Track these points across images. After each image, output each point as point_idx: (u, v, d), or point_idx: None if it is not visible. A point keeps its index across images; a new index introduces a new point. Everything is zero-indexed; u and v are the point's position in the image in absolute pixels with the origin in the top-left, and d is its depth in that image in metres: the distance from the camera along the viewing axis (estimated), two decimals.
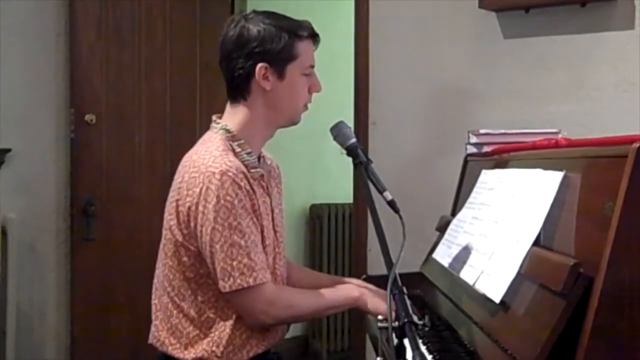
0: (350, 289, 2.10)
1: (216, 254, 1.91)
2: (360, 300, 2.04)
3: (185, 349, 2.00)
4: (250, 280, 1.92)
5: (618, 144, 1.54)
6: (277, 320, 2.02)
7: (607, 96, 2.80)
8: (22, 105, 3.41)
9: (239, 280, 1.91)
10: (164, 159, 3.64)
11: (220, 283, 1.92)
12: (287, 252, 2.25)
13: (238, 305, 1.97)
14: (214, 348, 1.97)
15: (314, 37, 2.07)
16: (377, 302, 2.02)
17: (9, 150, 3.34)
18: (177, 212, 1.97)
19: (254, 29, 2.00)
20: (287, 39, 2.00)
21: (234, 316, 1.98)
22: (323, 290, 2.08)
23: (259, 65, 1.99)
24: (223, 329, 1.98)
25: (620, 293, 1.35)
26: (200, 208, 1.91)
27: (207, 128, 2.13)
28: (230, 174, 1.91)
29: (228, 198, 1.90)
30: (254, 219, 1.98)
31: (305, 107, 2.10)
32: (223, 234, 1.90)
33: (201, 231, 1.92)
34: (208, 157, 1.95)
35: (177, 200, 1.97)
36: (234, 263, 1.90)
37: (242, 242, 1.91)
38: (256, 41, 1.99)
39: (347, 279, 2.38)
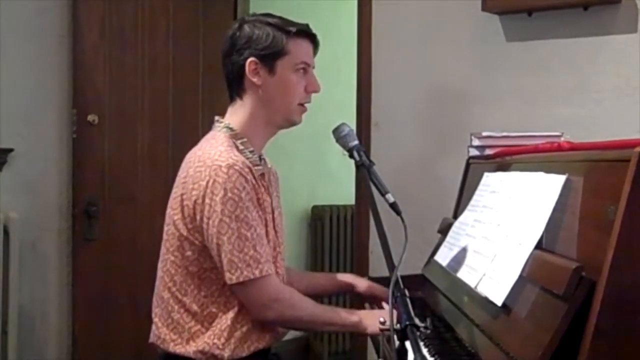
0: (351, 314, 2.08)
1: (223, 245, 1.93)
2: (360, 325, 2.03)
3: (187, 343, 2.01)
4: (257, 272, 1.94)
5: (620, 148, 1.54)
6: (279, 316, 2.02)
7: (609, 99, 2.80)
8: (25, 105, 3.41)
9: (245, 272, 1.93)
10: (166, 159, 3.64)
11: (227, 275, 1.94)
12: (288, 253, 2.25)
13: (243, 298, 1.99)
14: (215, 340, 1.99)
15: (309, 36, 2.10)
16: (376, 325, 2.01)
17: (11, 150, 3.34)
18: (182, 206, 1.99)
19: (247, 28, 2.07)
20: (276, 35, 2.05)
21: (235, 309, 2.00)
22: (327, 306, 2.11)
23: (249, 60, 2.04)
24: (224, 322, 2.00)
25: (622, 296, 1.35)
26: (207, 200, 1.93)
27: (210, 129, 2.15)
28: (237, 167, 1.94)
29: (235, 191, 1.93)
30: (260, 212, 2.01)
31: (304, 108, 2.12)
32: (230, 226, 1.92)
33: (208, 224, 1.94)
34: (213, 152, 1.98)
35: (182, 195, 1.99)
36: (241, 255, 1.93)
37: (249, 234, 1.94)
38: (246, 38, 2.05)
39: (341, 275, 2.42)
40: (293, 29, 2.07)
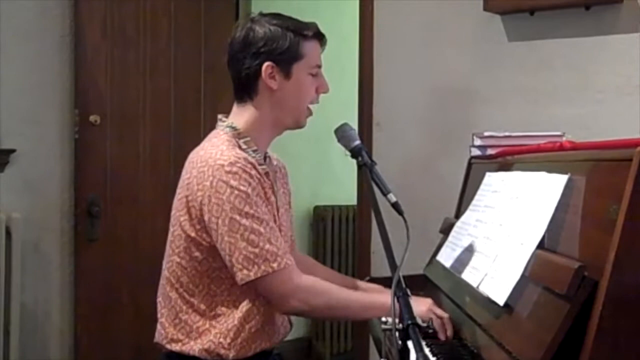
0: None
1: (236, 243, 1.91)
2: None
3: (194, 340, 2.01)
4: (275, 265, 1.92)
5: (623, 147, 1.54)
6: (309, 305, 1.98)
7: (611, 99, 2.80)
8: (27, 105, 3.41)
9: (263, 267, 1.91)
10: (168, 159, 3.64)
11: (244, 272, 1.91)
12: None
13: (267, 293, 1.97)
14: (221, 339, 1.98)
15: (320, 37, 2.09)
16: (424, 309, 1.94)
17: (13, 151, 3.34)
18: (188, 208, 1.98)
19: (260, 30, 2.03)
20: (293, 39, 2.03)
21: (243, 309, 1.99)
22: (360, 291, 2.06)
23: (265, 64, 2.02)
24: (232, 321, 1.99)
25: (624, 296, 1.35)
26: (214, 200, 1.92)
27: (212, 128, 2.15)
28: (239, 164, 1.93)
29: (242, 188, 1.92)
30: (269, 206, 2.00)
31: (310, 112, 2.11)
32: (241, 223, 1.91)
33: (217, 223, 1.92)
34: (215, 151, 1.97)
35: (187, 196, 1.98)
36: (257, 250, 1.91)
37: (262, 229, 1.92)
38: (262, 41, 2.02)
39: (367, 285, 2.36)
40: (309, 33, 2.05)
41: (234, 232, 1.91)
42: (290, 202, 2.27)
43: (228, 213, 1.91)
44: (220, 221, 1.92)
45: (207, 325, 2.00)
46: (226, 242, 1.92)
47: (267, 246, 1.92)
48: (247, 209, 1.92)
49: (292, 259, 1.99)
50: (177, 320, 2.03)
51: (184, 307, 2.03)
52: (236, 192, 1.91)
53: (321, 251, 5.02)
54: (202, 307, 2.01)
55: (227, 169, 1.92)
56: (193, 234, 1.98)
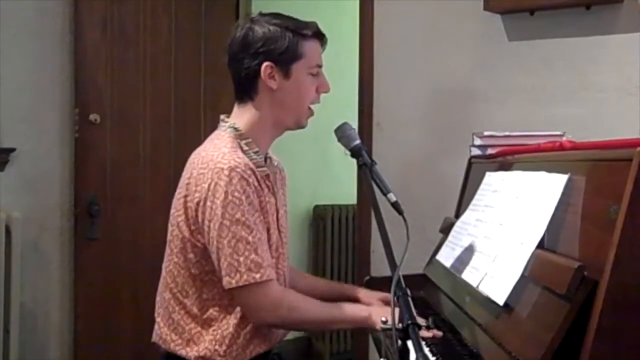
0: (359, 309, 2.06)
1: (223, 249, 1.91)
2: (370, 320, 1.99)
3: (188, 345, 2.01)
4: (257, 277, 1.92)
5: (623, 147, 1.54)
6: (282, 320, 2.01)
7: (611, 99, 2.80)
8: (27, 104, 3.41)
9: (245, 276, 1.91)
10: (168, 159, 3.64)
11: (227, 279, 1.92)
12: (290, 253, 2.25)
13: (243, 302, 1.97)
14: (216, 347, 1.98)
15: (320, 37, 2.08)
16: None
17: (13, 150, 3.34)
18: (186, 208, 1.98)
19: (259, 30, 2.03)
20: (292, 38, 2.02)
21: (238, 315, 1.99)
22: (332, 304, 2.08)
23: (265, 64, 2.01)
24: (226, 328, 1.99)
25: (624, 296, 1.35)
26: (209, 203, 1.93)
27: (212, 128, 2.15)
28: (239, 170, 1.93)
29: (236, 194, 1.91)
30: (261, 216, 1.99)
31: (311, 112, 2.11)
32: (230, 229, 1.91)
33: (209, 226, 1.93)
34: (217, 154, 1.97)
35: (186, 196, 1.98)
36: (241, 259, 1.91)
37: (250, 238, 1.92)
38: (261, 41, 2.02)
39: (346, 285, 2.38)
40: (309, 32, 2.04)
41: (222, 237, 1.91)
42: (286, 204, 2.27)
43: (219, 218, 1.91)
44: (211, 224, 1.93)
45: (199, 329, 2.00)
46: (214, 247, 1.93)
47: (252, 256, 1.92)
48: (238, 215, 1.92)
49: (274, 274, 1.99)
50: (170, 320, 2.04)
51: (177, 308, 2.03)
52: (230, 197, 1.91)
53: (321, 251, 5.02)
54: (195, 309, 2.01)
55: (226, 173, 1.92)
56: (188, 235, 1.99)
